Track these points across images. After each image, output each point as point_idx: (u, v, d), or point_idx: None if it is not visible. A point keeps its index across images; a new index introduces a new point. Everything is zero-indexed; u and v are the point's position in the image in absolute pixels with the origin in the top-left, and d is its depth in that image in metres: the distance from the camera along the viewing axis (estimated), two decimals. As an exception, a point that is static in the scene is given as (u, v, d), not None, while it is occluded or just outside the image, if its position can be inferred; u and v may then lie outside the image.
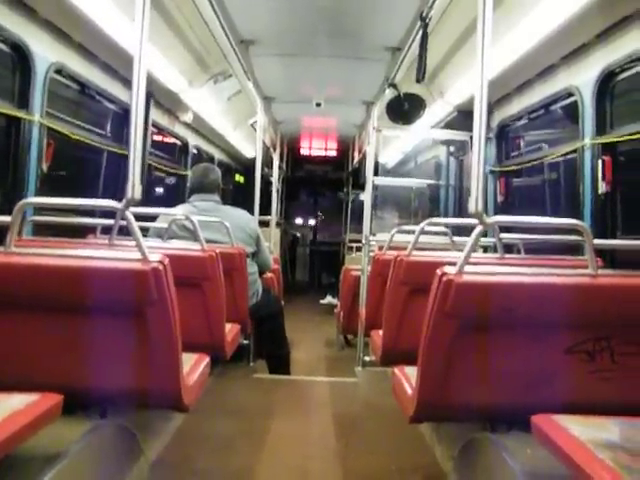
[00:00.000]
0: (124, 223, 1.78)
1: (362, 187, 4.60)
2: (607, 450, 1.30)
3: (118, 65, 3.76)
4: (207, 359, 2.39)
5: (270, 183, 6.41)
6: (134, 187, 1.67)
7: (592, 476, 1.19)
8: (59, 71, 3.22)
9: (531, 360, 1.79)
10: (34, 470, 1.54)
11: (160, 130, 5.37)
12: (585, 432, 1.42)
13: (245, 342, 3.85)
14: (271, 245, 5.41)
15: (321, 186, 11.88)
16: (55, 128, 3.23)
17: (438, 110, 5.04)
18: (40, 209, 3.16)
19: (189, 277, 2.57)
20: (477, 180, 1.66)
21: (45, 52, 3.03)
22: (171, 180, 6.20)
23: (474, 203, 1.65)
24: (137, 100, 1.69)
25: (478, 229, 1.68)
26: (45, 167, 3.11)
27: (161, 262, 1.71)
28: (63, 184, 4.04)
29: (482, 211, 1.65)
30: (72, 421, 1.89)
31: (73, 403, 1.90)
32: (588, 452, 1.30)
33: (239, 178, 9.55)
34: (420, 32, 3.09)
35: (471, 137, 1.76)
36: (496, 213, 4.53)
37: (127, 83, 3.90)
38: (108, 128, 4.32)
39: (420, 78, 3.21)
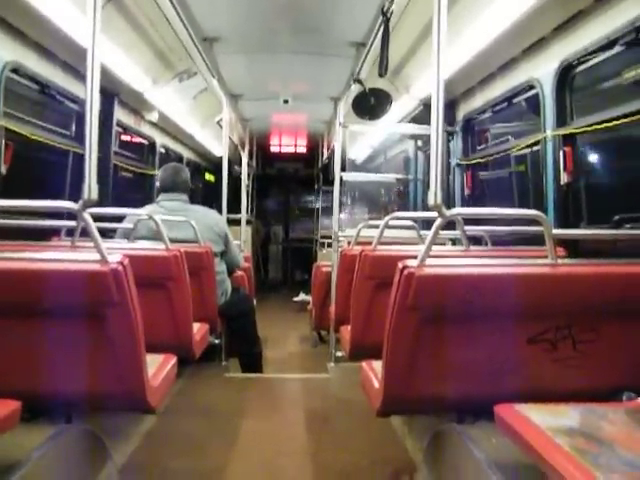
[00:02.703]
0: None
1: (332, 183, 4.59)
2: (565, 436, 1.32)
3: (79, 64, 3.69)
4: (174, 359, 2.37)
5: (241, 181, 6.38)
6: (90, 188, 1.64)
7: (548, 461, 1.21)
8: (15, 70, 3.14)
9: (494, 351, 1.81)
10: (-8, 479, 1.51)
11: (126, 130, 5.29)
12: (546, 420, 1.44)
13: (216, 341, 3.83)
14: (242, 243, 5.38)
15: (292, 183, 11.86)
16: (14, 129, 3.16)
17: (404, 104, 5.07)
18: (1, 212, 3.10)
19: (153, 277, 2.54)
20: (436, 173, 1.67)
21: (-1, 51, 2.96)
22: (140, 180, 6.11)
23: (433, 196, 1.65)
24: (91, 97, 1.65)
25: (438, 222, 1.69)
26: (4, 169, 3.04)
27: (121, 263, 1.69)
28: (27, 187, 3.95)
29: (441, 203, 1.66)
30: (36, 427, 1.86)
31: (37, 409, 1.87)
32: (547, 439, 1.32)
33: (209, 177, 9.48)
34: (382, 27, 3.10)
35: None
36: (463, 206, 4.57)
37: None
38: (73, 129, 4.24)
39: (383, 73, 3.22)
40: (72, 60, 3.64)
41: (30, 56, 3.27)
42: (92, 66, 1.64)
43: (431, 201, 1.66)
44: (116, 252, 1.75)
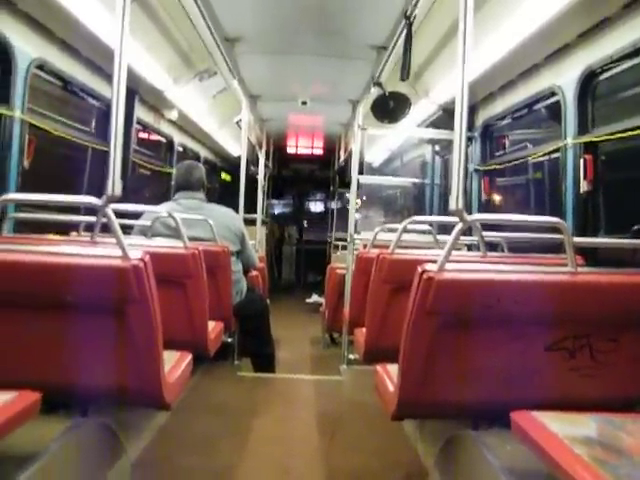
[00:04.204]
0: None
1: (348, 185, 4.60)
2: (583, 446, 1.31)
3: (101, 61, 3.73)
4: (189, 357, 2.38)
5: (257, 181, 6.40)
6: (114, 184, 1.66)
7: (567, 471, 1.20)
8: (41, 67, 3.19)
9: (512, 357, 1.80)
10: (10, 469, 1.53)
11: (145, 128, 5.33)
12: (563, 428, 1.43)
13: (230, 340, 3.85)
14: (257, 243, 5.40)
15: (308, 184, 11.87)
16: (37, 124, 3.20)
17: (423, 109, 5.06)
18: (22, 206, 3.13)
19: (171, 275, 2.55)
20: (457, 178, 1.67)
21: (26, 47, 3.00)
22: (157, 178, 6.15)
23: (454, 201, 1.65)
24: (117, 95, 1.67)
25: (458, 227, 1.69)
26: (27, 164, 3.08)
27: (142, 259, 1.70)
28: (47, 181, 3.99)
29: (462, 209, 1.66)
30: (53, 419, 1.88)
31: (54, 401, 1.89)
32: (565, 448, 1.31)
33: (225, 176, 9.51)
34: (404, 31, 3.10)
35: (456, 136, 1.75)
36: (480, 212, 4.55)
37: (111, 79, 3.88)
38: (93, 125, 4.28)
39: (405, 77, 3.22)
40: (95, 57, 3.68)
41: (55, 53, 3.31)
42: (119, 66, 1.66)
43: (452, 206, 1.66)
44: (137, 249, 1.77)
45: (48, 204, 2.82)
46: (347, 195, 8.78)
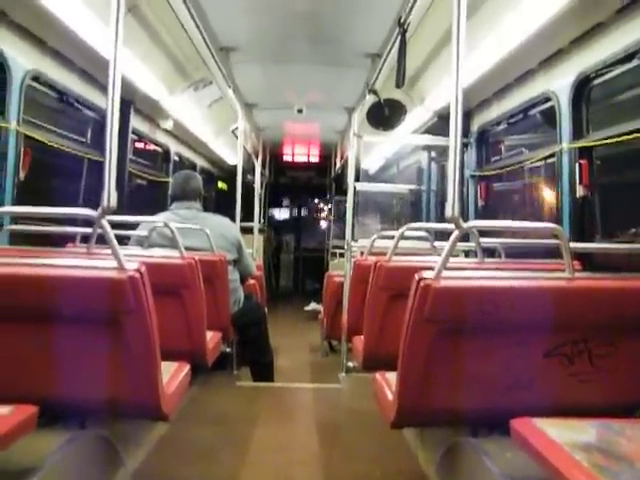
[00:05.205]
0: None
1: (345, 193, 4.60)
2: (583, 452, 1.31)
3: (96, 72, 3.73)
4: (187, 367, 2.37)
5: (254, 190, 6.41)
6: (110, 195, 1.65)
7: (568, 478, 1.19)
8: (36, 78, 3.19)
9: (510, 364, 1.80)
10: (8, 483, 1.52)
11: (141, 137, 5.34)
12: (563, 435, 1.43)
13: (228, 350, 3.83)
14: (254, 252, 5.40)
15: (305, 192, 11.88)
16: (32, 136, 3.20)
17: (419, 116, 5.08)
18: (18, 218, 3.13)
19: (168, 285, 2.55)
20: (453, 185, 1.66)
21: (21, 59, 3.00)
22: (153, 188, 6.15)
23: (450, 208, 1.65)
24: (112, 105, 1.67)
25: (455, 234, 1.69)
26: (23, 175, 3.07)
27: (138, 270, 1.69)
28: (44, 192, 3.99)
29: (458, 216, 1.65)
30: (51, 433, 1.87)
31: (51, 414, 1.88)
32: (565, 454, 1.31)
33: (222, 185, 9.52)
34: (399, 38, 3.11)
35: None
36: (477, 218, 4.56)
37: (105, 90, 3.88)
38: (89, 136, 4.28)
39: (400, 84, 3.23)
40: (90, 68, 3.68)
41: (49, 64, 3.32)
42: (114, 76, 1.66)
43: (449, 213, 1.66)
44: (133, 260, 1.76)
45: (45, 216, 2.82)
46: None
